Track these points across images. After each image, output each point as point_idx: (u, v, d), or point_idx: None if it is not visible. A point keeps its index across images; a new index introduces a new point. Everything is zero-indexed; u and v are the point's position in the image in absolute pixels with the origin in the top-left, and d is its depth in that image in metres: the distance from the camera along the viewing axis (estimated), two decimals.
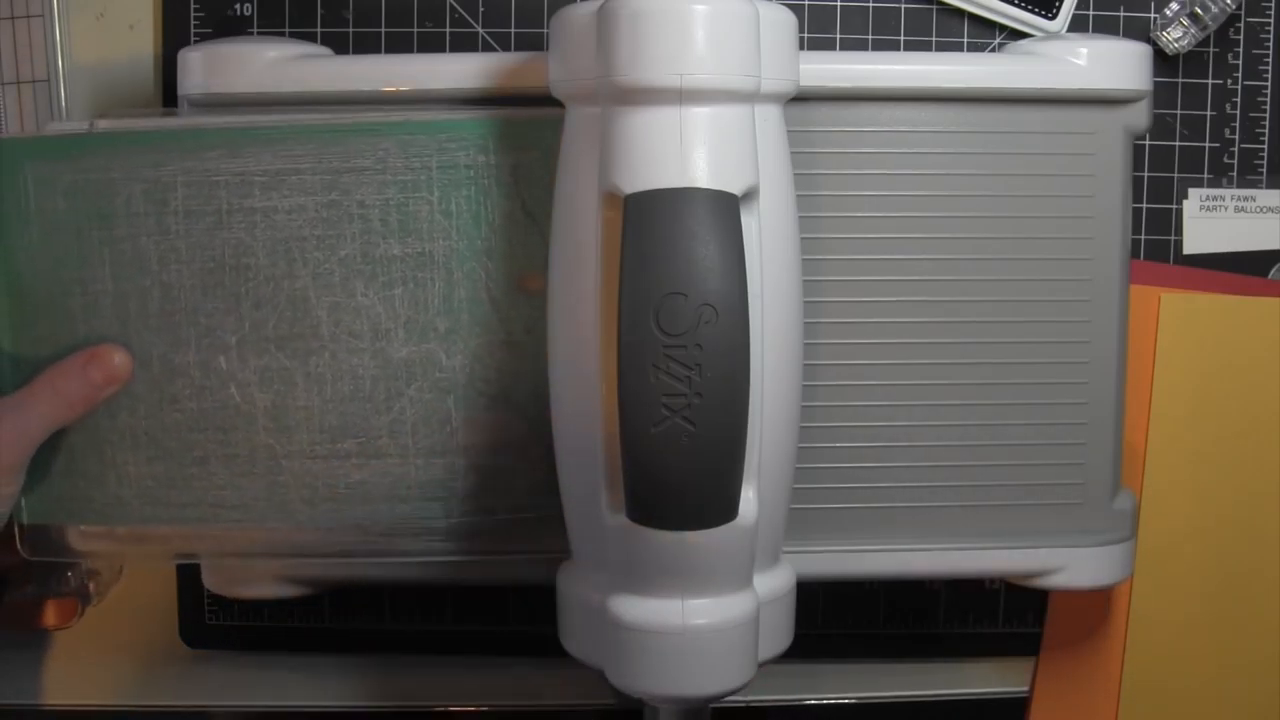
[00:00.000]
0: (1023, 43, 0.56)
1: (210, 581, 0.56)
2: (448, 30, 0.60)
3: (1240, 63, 0.61)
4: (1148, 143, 0.61)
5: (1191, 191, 0.61)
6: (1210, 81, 0.61)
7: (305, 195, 0.50)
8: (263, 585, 0.55)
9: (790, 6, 0.49)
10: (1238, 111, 0.61)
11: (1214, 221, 0.61)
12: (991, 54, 0.59)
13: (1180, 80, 0.60)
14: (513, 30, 0.60)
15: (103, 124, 0.51)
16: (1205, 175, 0.61)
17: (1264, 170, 0.61)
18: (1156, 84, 0.57)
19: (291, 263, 0.50)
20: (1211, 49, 0.60)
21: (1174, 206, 0.61)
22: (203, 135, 0.50)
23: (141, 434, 0.51)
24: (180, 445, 0.51)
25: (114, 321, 0.51)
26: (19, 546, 0.52)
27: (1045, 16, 0.59)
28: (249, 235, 0.50)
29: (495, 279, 0.51)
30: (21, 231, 0.50)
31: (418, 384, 0.51)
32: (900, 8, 0.60)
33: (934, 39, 0.60)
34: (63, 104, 0.60)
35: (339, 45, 0.59)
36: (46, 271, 0.51)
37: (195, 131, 0.50)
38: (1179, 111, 0.61)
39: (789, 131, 0.48)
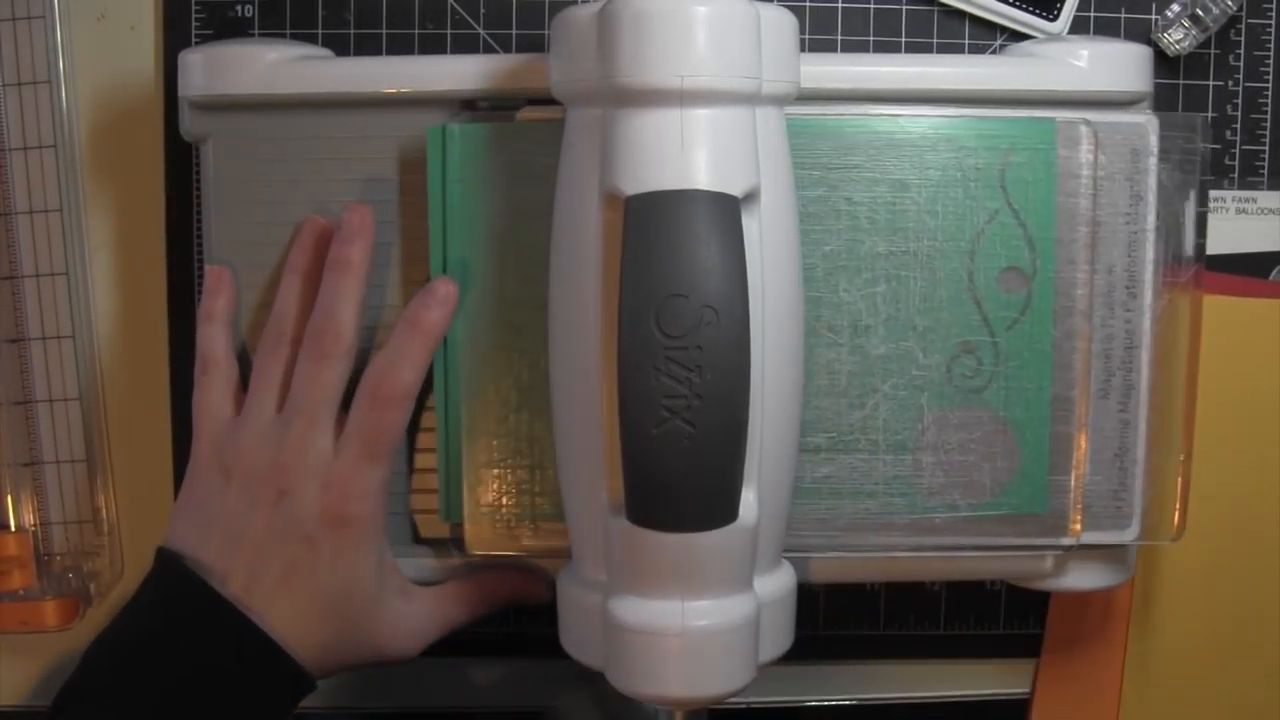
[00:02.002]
0: (1024, 44, 0.56)
1: None
2: (449, 32, 0.60)
3: (1241, 64, 0.61)
4: None
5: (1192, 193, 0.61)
6: (1211, 83, 0.61)
7: (795, 190, 0.50)
8: None
9: (791, 8, 0.49)
10: (1239, 113, 0.61)
11: (1215, 223, 0.61)
12: (992, 56, 0.59)
13: (1181, 82, 0.60)
14: (514, 32, 0.60)
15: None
16: None
17: (1265, 172, 0.61)
18: (1157, 85, 0.57)
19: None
20: (1212, 50, 0.60)
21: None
22: None
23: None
24: None
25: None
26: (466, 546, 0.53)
27: (1046, 18, 0.59)
28: None
29: (977, 279, 0.51)
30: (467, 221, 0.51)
31: (893, 381, 0.51)
32: (901, 9, 0.60)
33: (935, 41, 0.60)
34: (63, 105, 0.60)
35: (340, 47, 0.59)
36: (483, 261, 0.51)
37: None
38: (1180, 113, 0.61)
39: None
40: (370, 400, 0.50)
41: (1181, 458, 0.54)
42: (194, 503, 0.51)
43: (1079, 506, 0.52)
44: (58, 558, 0.61)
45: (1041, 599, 0.62)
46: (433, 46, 0.60)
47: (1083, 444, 0.52)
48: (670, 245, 0.43)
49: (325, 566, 0.50)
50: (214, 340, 0.53)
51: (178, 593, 0.50)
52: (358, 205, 0.52)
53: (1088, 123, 0.51)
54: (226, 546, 0.50)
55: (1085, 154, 0.51)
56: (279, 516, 0.49)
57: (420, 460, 0.54)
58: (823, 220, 0.51)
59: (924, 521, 0.52)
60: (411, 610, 0.52)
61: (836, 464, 0.52)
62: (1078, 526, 0.52)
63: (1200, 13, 0.59)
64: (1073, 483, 0.52)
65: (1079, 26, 0.60)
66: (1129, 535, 0.53)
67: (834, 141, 0.51)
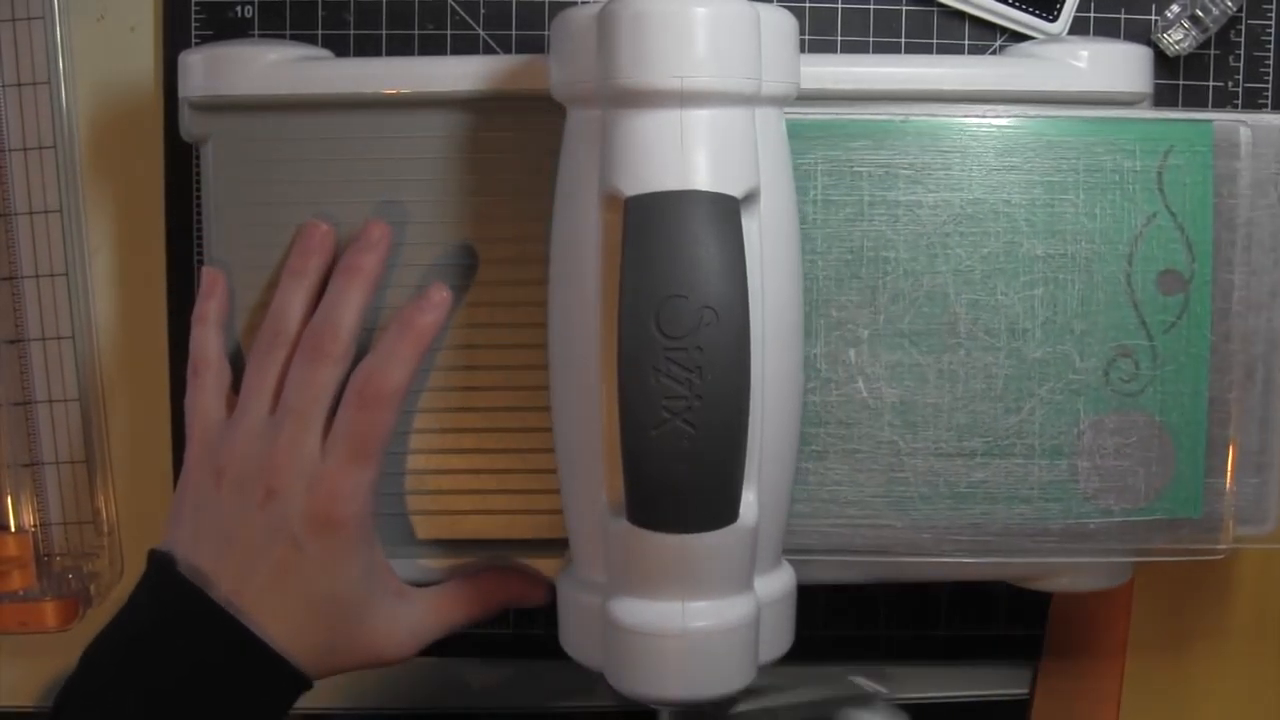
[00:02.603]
0: (1024, 45, 0.56)
1: None
2: (449, 32, 0.60)
3: (1241, 65, 0.61)
4: None
5: None
6: (1211, 84, 0.61)
7: (951, 190, 0.50)
8: None
9: (791, 9, 0.49)
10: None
11: None
12: (992, 56, 0.59)
13: (1181, 82, 0.60)
14: (514, 33, 0.60)
15: None
16: None
17: None
18: (1157, 86, 0.57)
19: (933, 258, 0.51)
20: (1212, 51, 0.60)
21: None
22: (849, 126, 0.50)
23: None
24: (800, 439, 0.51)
25: None
26: None
27: (1046, 19, 0.59)
28: (890, 228, 0.50)
29: (1135, 282, 0.51)
30: None
31: (1049, 385, 0.51)
32: (901, 10, 0.60)
33: (935, 41, 0.60)
34: (63, 106, 0.60)
35: (340, 47, 0.59)
36: None
37: (842, 123, 0.50)
38: None
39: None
40: (358, 400, 0.50)
41: None
42: (187, 504, 0.51)
43: (1232, 509, 0.52)
44: (57, 558, 0.61)
45: (1042, 599, 0.62)
46: (433, 47, 0.60)
47: (1235, 447, 0.52)
48: (670, 246, 0.43)
49: (312, 568, 0.50)
50: (206, 342, 0.53)
51: (169, 595, 0.50)
52: (379, 221, 0.52)
53: (1244, 123, 0.51)
54: (218, 548, 0.50)
55: (1243, 154, 0.51)
56: (267, 518, 0.50)
57: (414, 461, 0.54)
58: (980, 222, 0.51)
59: (1077, 527, 0.52)
60: (405, 612, 0.52)
61: (991, 469, 0.51)
62: (1230, 530, 0.52)
63: (1200, 13, 0.59)
64: (1227, 485, 0.52)
65: (1079, 27, 0.60)
66: (1267, 528, 0.53)
67: (993, 143, 0.51)
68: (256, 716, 0.50)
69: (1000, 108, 0.51)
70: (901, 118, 0.50)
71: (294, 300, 0.52)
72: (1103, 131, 0.51)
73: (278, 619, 0.49)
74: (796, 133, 0.49)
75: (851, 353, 0.51)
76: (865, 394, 0.51)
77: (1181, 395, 0.51)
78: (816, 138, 0.50)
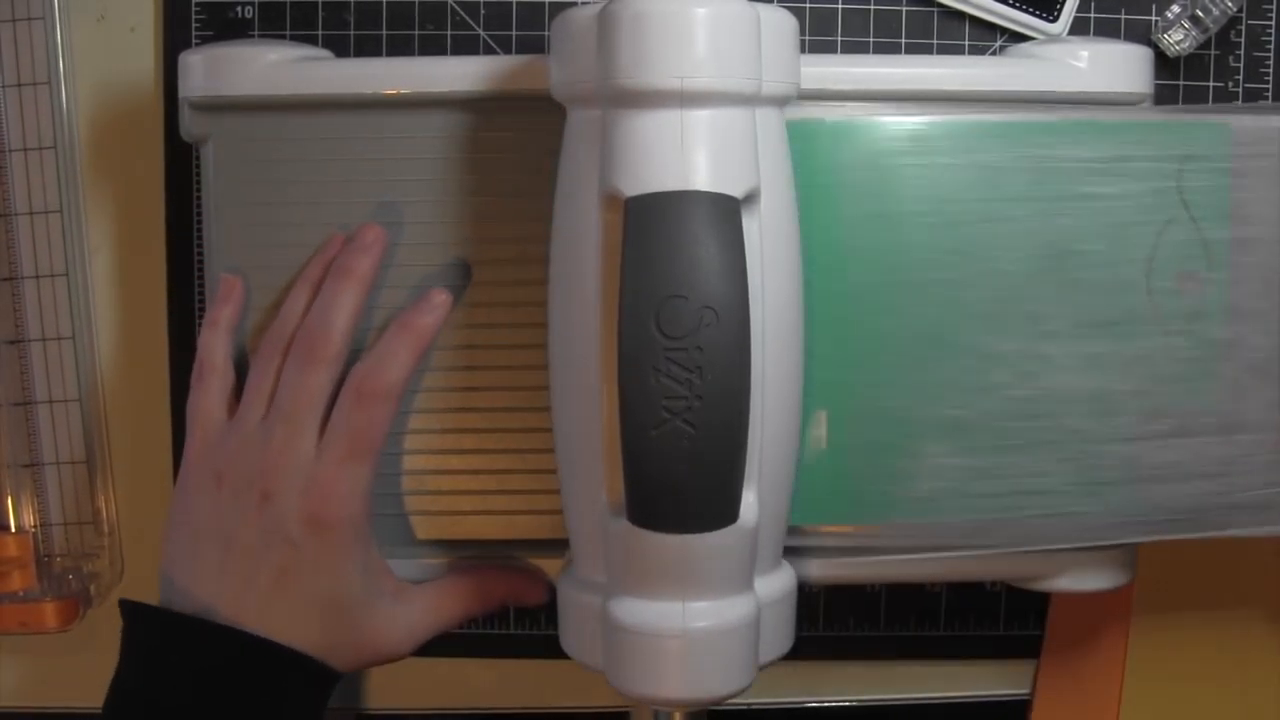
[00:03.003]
0: (1024, 45, 0.56)
1: None
2: (449, 33, 0.60)
3: (1241, 65, 0.61)
4: None
5: None
6: (1211, 84, 0.61)
7: (1139, 181, 0.51)
8: None
9: (791, 9, 0.49)
10: None
11: None
12: (992, 57, 0.59)
13: (1181, 83, 0.60)
14: (514, 33, 0.60)
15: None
16: None
17: None
18: (1158, 86, 0.57)
19: (1122, 248, 0.51)
20: (1213, 51, 0.60)
21: None
22: (1046, 126, 0.51)
23: (957, 425, 0.51)
24: (994, 434, 0.51)
25: (937, 308, 0.51)
26: None
27: (1046, 19, 0.59)
28: (1082, 221, 0.51)
29: None
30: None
31: (1233, 365, 0.51)
32: (901, 10, 0.60)
33: (935, 42, 0.60)
34: (63, 106, 0.60)
35: (340, 48, 0.59)
36: None
37: (1034, 123, 0.51)
38: None
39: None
40: (354, 398, 0.50)
41: None
42: (185, 509, 0.52)
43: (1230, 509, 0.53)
44: (58, 559, 0.61)
45: (1041, 599, 0.62)
46: (433, 48, 0.60)
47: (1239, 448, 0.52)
48: (670, 246, 0.43)
49: (310, 569, 0.50)
50: (214, 347, 0.53)
51: (157, 632, 0.50)
52: (373, 225, 0.52)
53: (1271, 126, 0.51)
54: (219, 552, 0.50)
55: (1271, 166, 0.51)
56: (264, 520, 0.50)
57: (413, 461, 0.54)
58: (1164, 211, 0.51)
59: (1258, 499, 0.52)
60: (402, 611, 0.52)
61: (1178, 449, 0.51)
62: None
63: (1200, 14, 0.59)
64: None
65: (1079, 27, 0.60)
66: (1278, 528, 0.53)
67: (1176, 134, 0.51)
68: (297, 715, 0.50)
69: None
70: (1102, 120, 0.51)
71: (299, 306, 0.52)
72: (1130, 131, 0.51)
73: (283, 623, 0.49)
74: (994, 132, 0.50)
75: (1046, 345, 0.51)
76: (1060, 385, 0.51)
77: None
78: (1017, 136, 0.51)
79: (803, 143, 0.49)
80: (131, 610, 0.51)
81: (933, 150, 0.50)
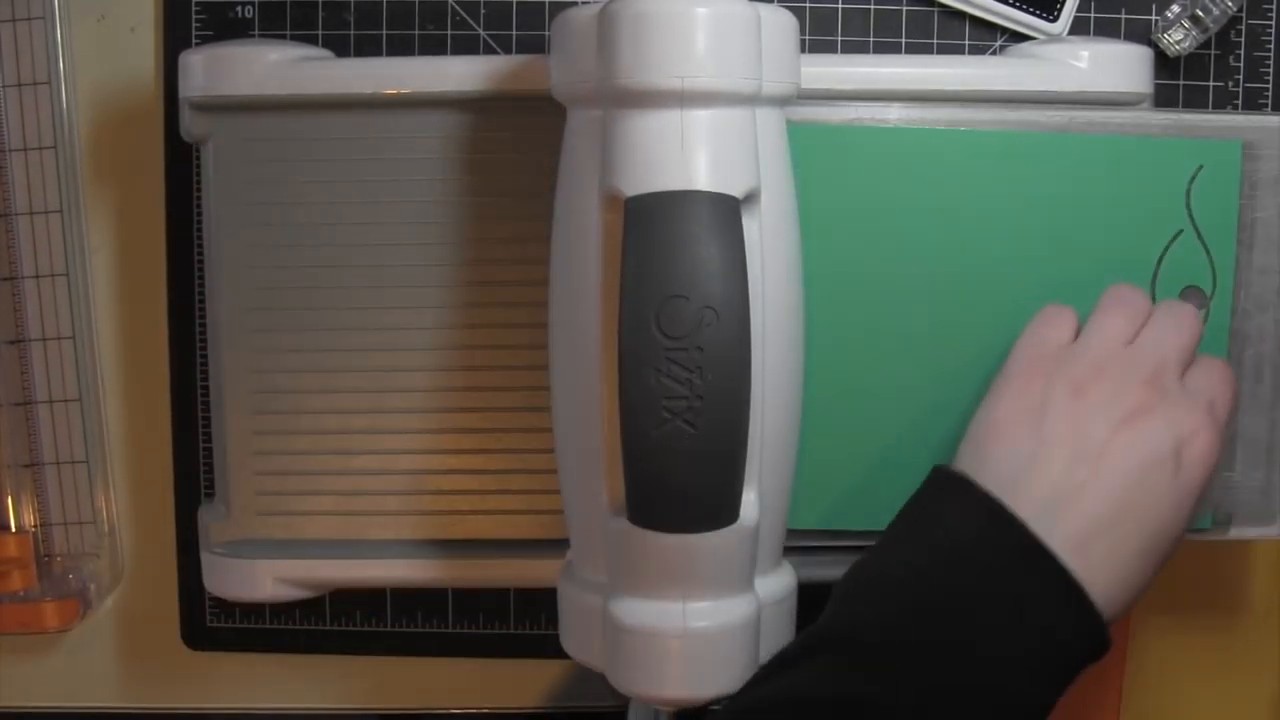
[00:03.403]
0: (1024, 45, 0.56)
1: (211, 583, 0.56)
2: (449, 33, 0.60)
3: (1241, 65, 0.60)
4: None
5: None
6: (1211, 84, 0.61)
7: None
8: (264, 587, 0.55)
9: (791, 9, 0.49)
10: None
11: None
12: (993, 56, 0.59)
13: (1181, 83, 0.60)
14: (514, 33, 0.60)
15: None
16: None
17: None
18: (1158, 86, 0.57)
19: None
20: (1213, 51, 0.60)
21: None
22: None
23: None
24: None
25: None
26: None
27: (1046, 19, 0.59)
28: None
29: (1159, 297, 0.51)
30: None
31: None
32: (901, 10, 0.60)
33: (935, 41, 0.60)
34: (64, 106, 0.60)
35: (340, 48, 0.59)
36: None
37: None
38: None
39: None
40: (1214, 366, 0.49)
41: None
42: (1028, 416, 0.46)
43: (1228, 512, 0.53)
44: (58, 559, 0.61)
45: None
46: (433, 48, 0.60)
47: (1238, 452, 0.53)
48: (670, 246, 0.43)
49: (1172, 500, 0.45)
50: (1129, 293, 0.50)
51: (999, 544, 0.44)
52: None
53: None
54: (1068, 462, 0.45)
55: (1269, 171, 0.51)
56: (1137, 438, 0.45)
57: (414, 461, 0.54)
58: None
59: None
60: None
61: None
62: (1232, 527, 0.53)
63: (1200, 13, 0.59)
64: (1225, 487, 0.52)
65: (1079, 27, 0.60)
66: (1274, 530, 0.53)
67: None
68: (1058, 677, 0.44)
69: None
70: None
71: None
72: (1135, 149, 0.51)
73: (1119, 557, 0.45)
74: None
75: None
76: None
77: None
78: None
79: (819, 152, 0.49)
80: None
81: (941, 162, 0.50)
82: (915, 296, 0.51)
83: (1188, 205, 0.51)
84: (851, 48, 0.60)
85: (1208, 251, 0.51)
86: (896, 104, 0.51)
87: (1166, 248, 0.51)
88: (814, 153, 0.50)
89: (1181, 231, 0.51)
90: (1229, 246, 0.51)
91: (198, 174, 0.59)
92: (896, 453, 0.51)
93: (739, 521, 0.45)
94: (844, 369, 0.51)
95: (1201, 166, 0.51)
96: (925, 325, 0.51)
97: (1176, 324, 0.49)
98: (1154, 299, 0.50)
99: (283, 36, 0.59)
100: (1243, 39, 0.60)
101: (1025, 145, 0.50)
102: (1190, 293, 0.51)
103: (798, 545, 0.52)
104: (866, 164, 0.50)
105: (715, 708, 0.47)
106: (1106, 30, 0.60)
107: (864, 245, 0.51)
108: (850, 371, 0.51)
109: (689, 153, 0.44)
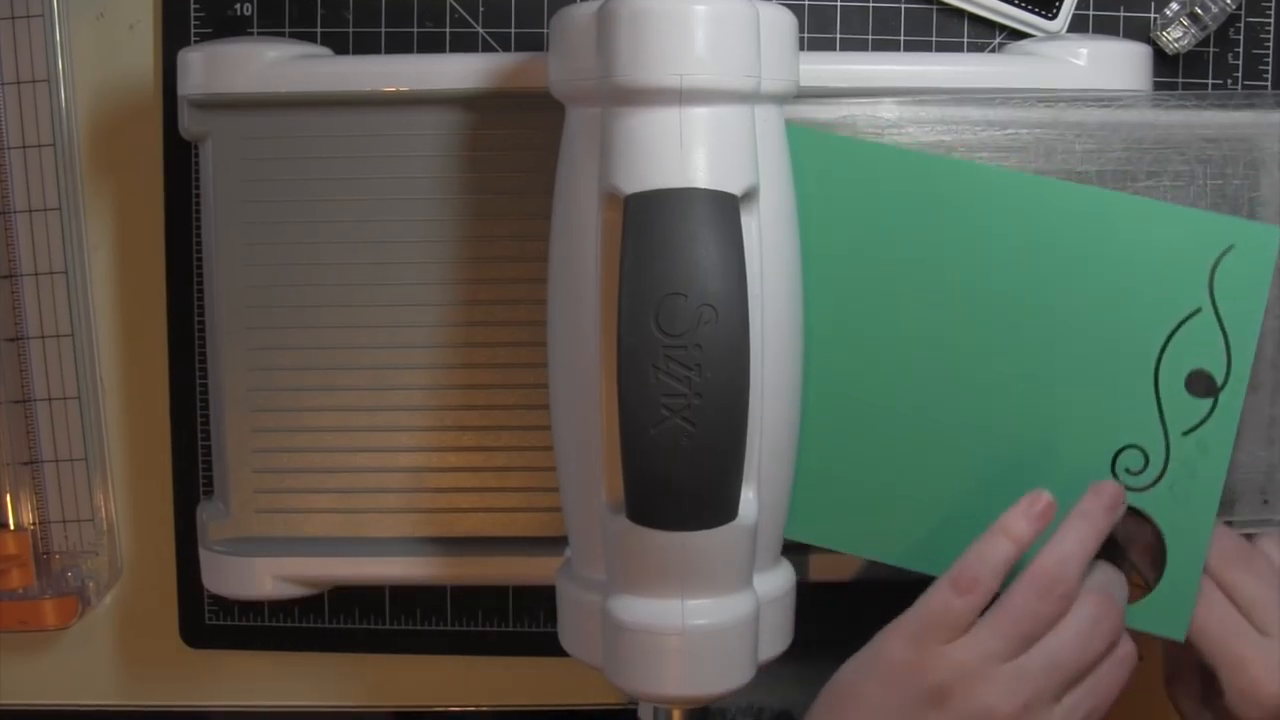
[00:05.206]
0: (1023, 43, 0.56)
1: (210, 581, 0.56)
2: (448, 30, 0.60)
3: (1240, 63, 0.61)
4: None
5: None
6: (1210, 82, 0.61)
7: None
8: (263, 585, 0.55)
9: (790, 7, 0.49)
10: None
11: None
12: (991, 54, 0.59)
13: (1180, 80, 0.60)
14: (513, 30, 0.60)
15: None
16: None
17: None
18: (1156, 84, 0.57)
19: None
20: (1211, 49, 0.60)
21: None
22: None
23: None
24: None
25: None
26: None
27: (1045, 17, 0.59)
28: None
29: (1164, 376, 0.48)
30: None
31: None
32: (900, 8, 0.60)
33: (934, 39, 0.60)
34: (63, 104, 0.60)
35: (339, 45, 0.59)
36: None
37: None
38: None
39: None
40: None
41: None
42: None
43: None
44: (56, 556, 0.61)
45: None
46: (432, 45, 0.60)
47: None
48: (669, 244, 0.43)
49: None
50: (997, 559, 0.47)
51: None
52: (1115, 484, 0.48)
53: None
54: None
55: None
56: None
57: (414, 460, 0.54)
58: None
59: None
60: None
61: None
62: None
63: (1199, 11, 0.59)
64: None
65: (1078, 25, 0.60)
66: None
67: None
68: None
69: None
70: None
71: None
72: (1163, 216, 0.48)
73: None
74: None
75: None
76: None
77: (1188, 508, 0.48)
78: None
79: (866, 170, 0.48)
80: None
81: (964, 193, 0.49)
82: (919, 321, 0.50)
83: (1210, 284, 0.48)
84: (850, 45, 0.60)
85: (1225, 336, 0.48)
86: (896, 102, 0.51)
87: (1180, 324, 0.48)
88: (838, 165, 0.49)
89: (1199, 310, 0.48)
90: (1250, 335, 0.48)
91: (197, 171, 0.59)
92: (893, 475, 0.50)
93: (738, 519, 0.45)
94: (844, 383, 0.50)
95: (1232, 246, 0.48)
96: (927, 356, 0.50)
97: (1091, 631, 0.45)
98: (1156, 378, 0.48)
99: (281, 34, 0.59)
100: (1241, 36, 0.60)
101: (1051, 192, 0.49)
102: (1197, 377, 0.48)
103: (797, 543, 0.52)
104: (890, 183, 0.49)
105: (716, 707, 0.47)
106: (1105, 28, 0.60)
107: (875, 264, 0.50)
108: (849, 385, 0.50)
109: (688, 150, 0.44)
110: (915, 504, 0.50)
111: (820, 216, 0.49)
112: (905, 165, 0.49)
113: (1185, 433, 0.48)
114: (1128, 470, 0.49)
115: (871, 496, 0.50)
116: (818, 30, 0.60)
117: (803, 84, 0.48)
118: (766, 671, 0.48)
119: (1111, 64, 0.53)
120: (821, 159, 0.49)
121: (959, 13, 0.60)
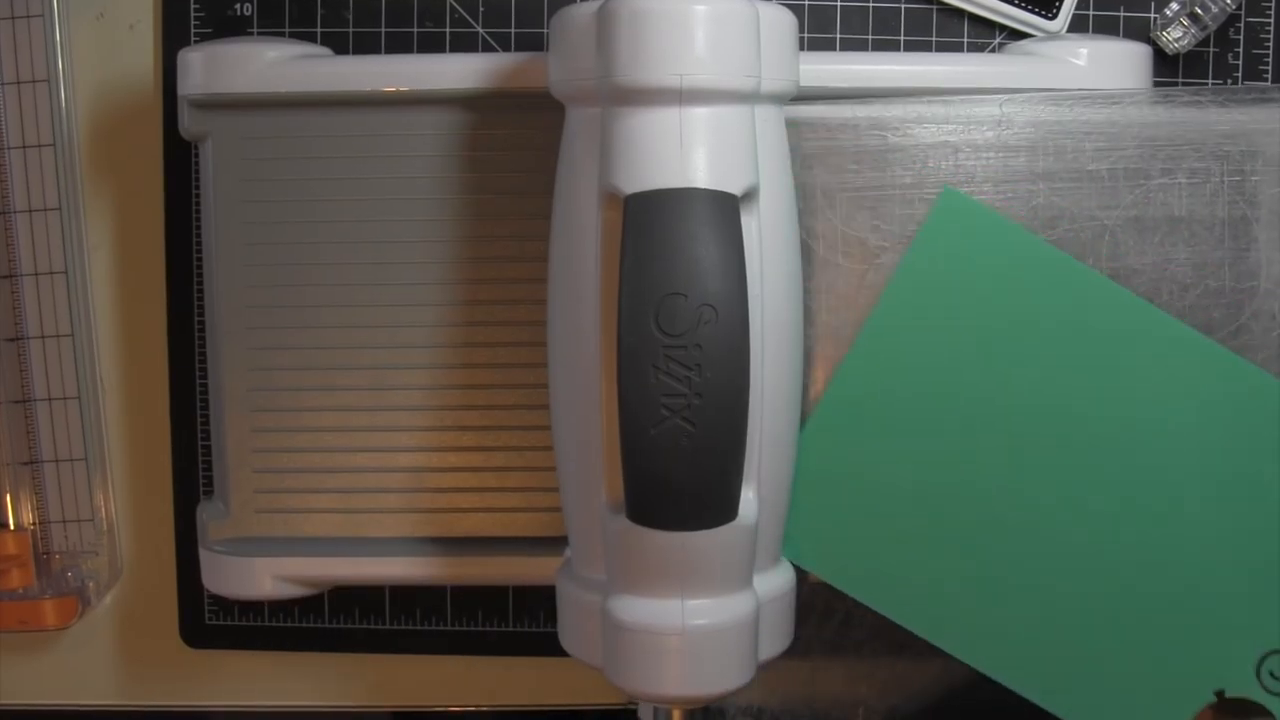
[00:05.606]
0: (1023, 43, 0.56)
1: (210, 581, 0.56)
2: (448, 30, 0.60)
3: (1240, 63, 0.61)
4: None
5: None
6: (1211, 82, 0.61)
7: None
8: (263, 585, 0.55)
9: (790, 6, 0.49)
10: None
11: None
12: (991, 54, 0.59)
13: (1180, 80, 0.60)
14: (513, 30, 0.60)
15: None
16: None
17: None
18: (1156, 84, 0.57)
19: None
20: (1211, 49, 0.60)
21: None
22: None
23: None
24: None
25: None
26: None
27: (1045, 17, 0.59)
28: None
29: None
30: None
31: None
32: (900, 8, 0.60)
33: (934, 39, 0.60)
34: (62, 104, 0.60)
35: (339, 45, 0.59)
36: None
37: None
38: None
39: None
40: None
41: None
42: None
43: None
44: (56, 556, 0.61)
45: None
46: (432, 45, 0.60)
47: None
48: (669, 244, 0.43)
49: None
50: None
51: None
52: None
53: None
54: None
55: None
56: None
57: (414, 460, 0.54)
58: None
59: None
60: None
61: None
62: None
63: (1199, 11, 0.59)
64: None
65: (1078, 25, 0.60)
66: None
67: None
68: None
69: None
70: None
71: None
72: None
73: None
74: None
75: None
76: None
77: None
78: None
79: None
80: None
81: (1085, 304, 0.48)
82: (977, 399, 0.48)
83: None
84: (850, 45, 0.60)
85: None
86: (897, 100, 0.51)
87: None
88: (964, 234, 0.48)
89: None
90: None
91: (197, 171, 0.59)
92: (904, 528, 0.50)
93: (738, 519, 0.45)
94: (956, 474, 0.49)
95: None
96: (973, 434, 0.48)
97: None
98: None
99: (281, 34, 0.59)
100: (1241, 36, 0.60)
101: (1193, 346, 0.46)
102: None
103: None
104: (1006, 263, 0.48)
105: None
106: (1105, 28, 0.60)
107: (961, 337, 0.48)
108: (960, 475, 0.49)
109: (688, 150, 0.44)
110: (1015, 615, 0.49)
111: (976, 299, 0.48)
112: (1029, 254, 0.48)
113: None
114: (1271, 674, 0.45)
115: (957, 590, 0.49)
116: (818, 30, 0.60)
117: (803, 84, 0.48)
118: (766, 671, 0.48)
119: (1111, 64, 0.53)
120: (983, 240, 0.48)
121: (959, 13, 0.60)
